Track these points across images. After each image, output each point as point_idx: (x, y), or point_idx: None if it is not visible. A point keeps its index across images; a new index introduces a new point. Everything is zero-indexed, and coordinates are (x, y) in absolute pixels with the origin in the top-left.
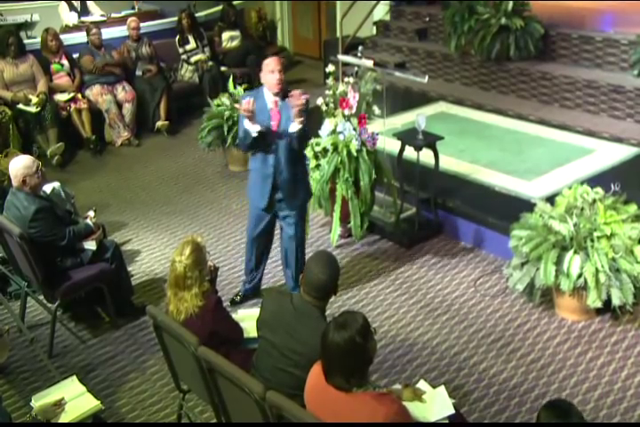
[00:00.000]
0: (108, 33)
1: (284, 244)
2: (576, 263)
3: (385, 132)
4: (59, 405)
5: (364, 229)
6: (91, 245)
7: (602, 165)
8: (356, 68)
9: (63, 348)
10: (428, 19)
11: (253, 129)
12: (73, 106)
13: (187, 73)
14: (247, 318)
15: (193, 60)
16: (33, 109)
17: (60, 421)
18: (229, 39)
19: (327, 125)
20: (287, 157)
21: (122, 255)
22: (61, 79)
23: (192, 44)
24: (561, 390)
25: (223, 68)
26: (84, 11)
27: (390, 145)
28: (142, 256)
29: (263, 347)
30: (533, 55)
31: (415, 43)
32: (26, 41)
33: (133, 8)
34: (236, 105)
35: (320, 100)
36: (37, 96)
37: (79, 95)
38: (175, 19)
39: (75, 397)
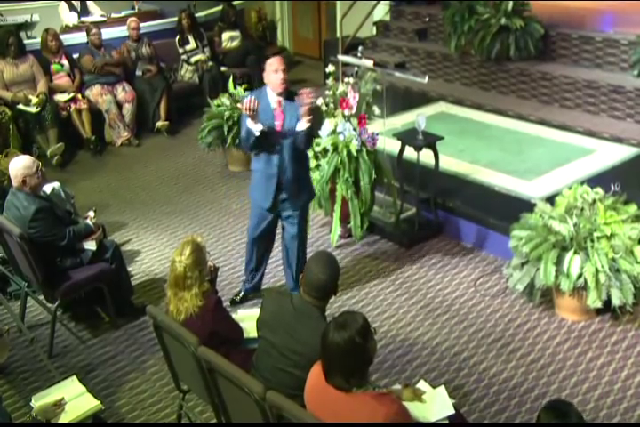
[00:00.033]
0: (108, 33)
1: (286, 243)
2: (576, 263)
3: (385, 132)
4: (59, 405)
5: (364, 229)
6: (91, 245)
7: (602, 165)
8: (355, 69)
9: (63, 348)
10: (427, 19)
11: (256, 128)
12: (73, 106)
13: (187, 73)
14: (247, 318)
15: (193, 60)
16: (33, 110)
17: (60, 421)
18: (229, 39)
19: (327, 126)
20: (291, 156)
21: (122, 255)
22: (61, 79)
23: (192, 45)
24: (561, 390)
25: (223, 69)
26: (84, 11)
27: (390, 145)
28: (142, 256)
29: (263, 347)
30: (533, 55)
31: (415, 43)
32: (26, 41)
33: (133, 8)
34: (239, 104)
35: (320, 101)
36: (37, 96)
37: (79, 95)
38: (175, 19)
39: (75, 397)
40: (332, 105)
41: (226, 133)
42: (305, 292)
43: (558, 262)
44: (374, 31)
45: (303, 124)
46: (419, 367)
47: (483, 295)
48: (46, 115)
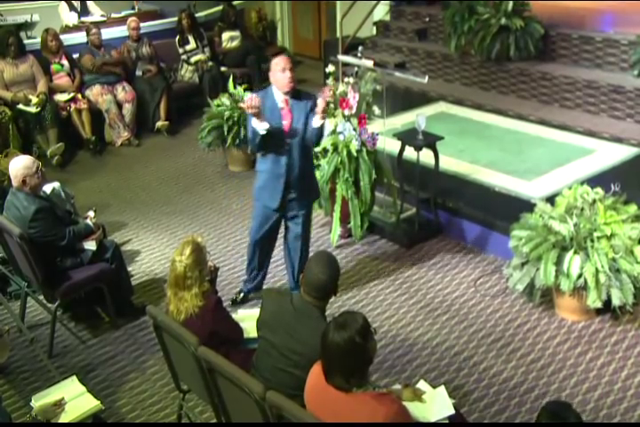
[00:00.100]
0: (108, 33)
1: (290, 243)
2: (576, 263)
3: (385, 132)
4: (59, 405)
5: (364, 229)
6: (91, 245)
7: (602, 165)
8: (355, 69)
9: (63, 348)
10: (427, 19)
11: (261, 127)
12: (73, 106)
13: (187, 73)
14: (247, 318)
15: (193, 60)
16: (33, 110)
17: (60, 421)
18: (229, 39)
19: (327, 126)
20: (300, 155)
21: (122, 255)
22: (61, 79)
23: (192, 45)
24: (561, 390)
25: (223, 69)
26: (84, 11)
27: (390, 145)
28: (142, 256)
29: (263, 347)
30: (533, 55)
31: (415, 43)
32: (26, 41)
33: (133, 8)
34: (239, 104)
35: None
36: (37, 96)
37: (79, 95)
38: (175, 19)
39: (75, 397)
40: (332, 105)
41: (226, 133)
42: (305, 292)
43: (558, 262)
44: (374, 31)
45: (318, 121)
46: (419, 367)
47: (483, 295)
48: (46, 115)
